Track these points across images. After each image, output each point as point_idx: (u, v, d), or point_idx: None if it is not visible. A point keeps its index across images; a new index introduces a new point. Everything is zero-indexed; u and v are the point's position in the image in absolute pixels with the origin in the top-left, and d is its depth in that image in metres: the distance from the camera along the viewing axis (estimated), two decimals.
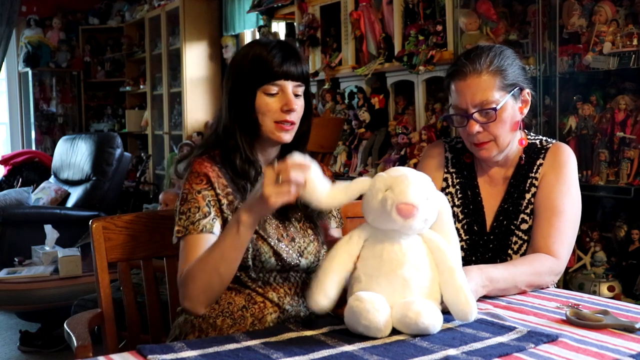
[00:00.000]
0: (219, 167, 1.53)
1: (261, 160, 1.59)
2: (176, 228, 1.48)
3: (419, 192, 1.23)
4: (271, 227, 1.53)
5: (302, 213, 1.59)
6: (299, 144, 1.61)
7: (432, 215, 1.27)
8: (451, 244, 1.30)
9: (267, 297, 1.51)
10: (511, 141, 1.71)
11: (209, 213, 1.47)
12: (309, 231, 1.59)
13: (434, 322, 1.22)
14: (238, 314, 1.49)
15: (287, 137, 1.55)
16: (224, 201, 1.50)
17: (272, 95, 1.52)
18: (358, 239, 1.31)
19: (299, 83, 1.54)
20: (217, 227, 1.48)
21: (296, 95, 1.54)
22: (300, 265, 1.54)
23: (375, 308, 1.20)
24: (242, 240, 1.38)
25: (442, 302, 1.29)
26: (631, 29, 2.66)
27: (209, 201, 1.48)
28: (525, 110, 1.72)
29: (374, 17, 3.99)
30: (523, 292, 1.54)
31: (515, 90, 1.67)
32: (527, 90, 1.71)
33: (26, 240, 4.24)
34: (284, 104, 1.51)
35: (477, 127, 1.65)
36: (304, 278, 1.55)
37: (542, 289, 1.58)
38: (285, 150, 1.61)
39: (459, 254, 1.32)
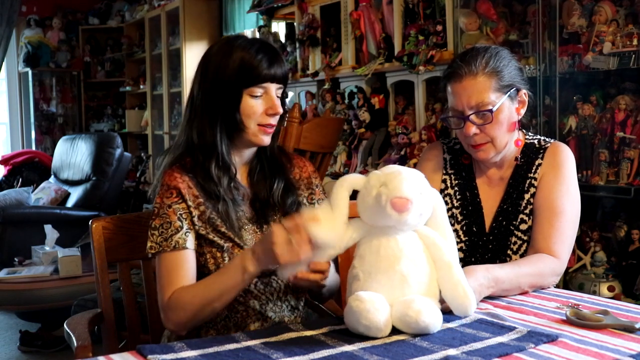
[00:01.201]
0: (189, 176, 1.50)
1: (236, 161, 1.56)
2: (149, 244, 1.47)
3: (412, 187, 1.24)
4: (247, 233, 1.51)
5: (280, 213, 1.56)
6: (272, 141, 1.59)
7: (427, 210, 1.27)
8: (447, 240, 1.31)
9: (248, 305, 1.49)
10: (509, 142, 1.71)
11: (181, 227, 1.46)
12: None
13: (434, 321, 1.22)
14: (221, 324, 1.49)
15: (268, 139, 1.53)
16: (195, 213, 1.47)
17: (256, 97, 1.49)
18: (353, 231, 1.31)
19: (280, 85, 1.52)
20: (190, 240, 1.46)
21: (277, 97, 1.52)
22: None
23: (376, 308, 1.20)
24: (245, 285, 1.40)
25: (442, 302, 1.29)
26: (631, 29, 2.66)
27: (181, 214, 1.46)
28: (522, 111, 1.72)
29: (374, 17, 3.99)
30: (524, 293, 1.54)
31: (511, 91, 1.67)
32: (523, 91, 1.70)
33: (26, 240, 4.24)
34: (268, 107, 1.49)
35: (473, 129, 1.65)
36: (285, 282, 1.52)
37: (543, 289, 1.59)
38: (260, 148, 1.58)
39: (455, 249, 1.32)
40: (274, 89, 1.50)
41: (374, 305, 1.20)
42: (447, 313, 1.30)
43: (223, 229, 1.47)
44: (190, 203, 1.47)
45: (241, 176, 1.57)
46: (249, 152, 1.58)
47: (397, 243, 1.26)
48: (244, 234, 1.50)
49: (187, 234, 1.46)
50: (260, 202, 1.55)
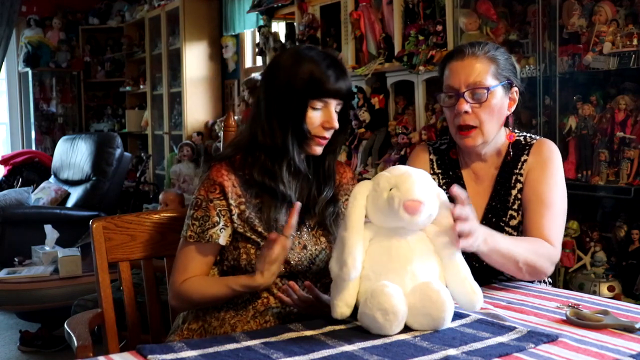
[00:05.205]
0: (236, 175, 1.56)
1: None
2: (188, 232, 1.54)
3: (424, 189, 1.26)
4: None
5: (316, 220, 1.61)
6: (329, 154, 1.63)
7: (435, 210, 1.29)
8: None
9: (272, 292, 1.54)
10: (496, 134, 1.73)
11: (218, 223, 1.53)
12: (322, 239, 1.60)
13: (451, 301, 1.25)
14: (241, 305, 1.54)
15: (320, 150, 1.58)
16: (235, 211, 1.54)
17: (316, 109, 1.54)
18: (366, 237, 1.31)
19: (341, 101, 1.57)
20: (223, 236, 1.54)
21: (335, 112, 1.57)
22: (309, 271, 1.57)
23: (398, 298, 1.22)
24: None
25: None
26: (631, 29, 2.66)
27: (220, 211, 1.54)
28: (512, 109, 1.75)
29: (374, 17, 3.99)
30: (518, 269, 1.53)
31: (506, 83, 1.70)
32: (515, 89, 1.74)
33: (26, 240, 4.24)
34: (325, 120, 1.55)
35: (466, 106, 1.67)
36: (309, 278, 1.56)
37: (538, 272, 1.58)
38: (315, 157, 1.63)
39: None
40: (334, 104, 1.55)
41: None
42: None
43: (260, 229, 1.54)
44: (231, 201, 1.54)
45: None
46: (302, 158, 1.62)
47: (408, 244, 1.28)
48: None
49: (222, 230, 1.53)
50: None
